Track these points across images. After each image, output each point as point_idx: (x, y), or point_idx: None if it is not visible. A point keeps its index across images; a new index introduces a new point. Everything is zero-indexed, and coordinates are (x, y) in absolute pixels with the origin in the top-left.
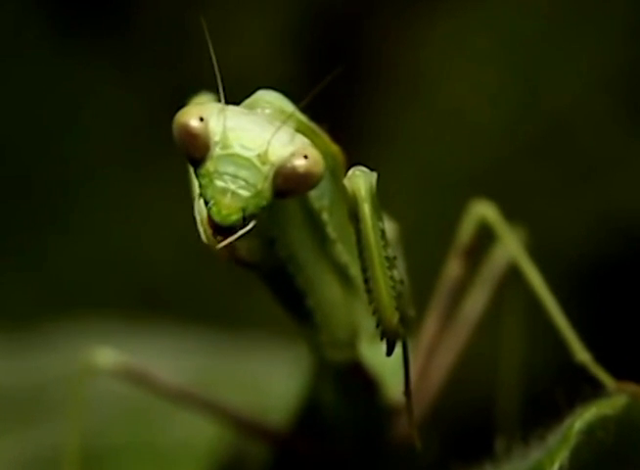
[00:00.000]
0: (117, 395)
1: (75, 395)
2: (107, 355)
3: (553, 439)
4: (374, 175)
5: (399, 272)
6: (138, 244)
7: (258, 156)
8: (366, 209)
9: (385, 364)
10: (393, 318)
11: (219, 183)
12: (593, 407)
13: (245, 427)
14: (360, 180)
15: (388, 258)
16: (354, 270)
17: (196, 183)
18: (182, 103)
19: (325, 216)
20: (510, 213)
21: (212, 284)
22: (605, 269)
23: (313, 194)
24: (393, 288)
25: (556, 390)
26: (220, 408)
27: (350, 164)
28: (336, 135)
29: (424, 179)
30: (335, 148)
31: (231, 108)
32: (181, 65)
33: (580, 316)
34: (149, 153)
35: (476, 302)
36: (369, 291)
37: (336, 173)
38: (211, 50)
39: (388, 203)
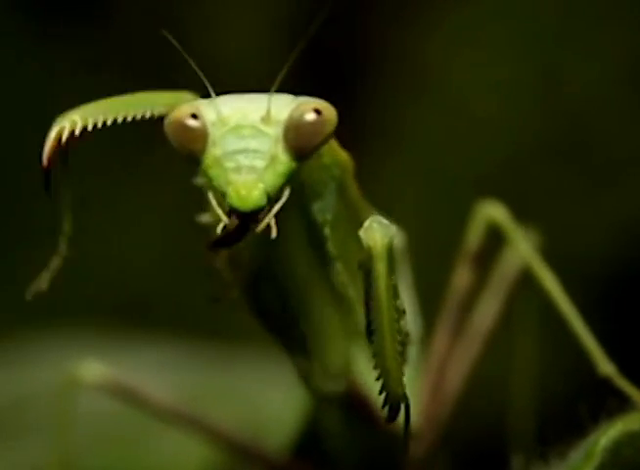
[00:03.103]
0: (103, 411)
1: (58, 411)
2: (92, 369)
3: (575, 456)
4: (392, 228)
5: (405, 322)
6: (124, 253)
7: (262, 119)
8: (381, 268)
9: None
10: (400, 387)
11: (230, 164)
12: (619, 423)
13: (239, 449)
14: (377, 235)
15: (397, 311)
16: (352, 291)
17: (209, 193)
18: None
19: (327, 232)
20: (524, 215)
21: (200, 295)
22: (628, 275)
23: (317, 206)
24: (401, 345)
25: (578, 404)
26: (213, 428)
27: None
28: (342, 139)
29: (431, 178)
30: (343, 155)
31: (220, 96)
32: (166, 62)
33: (602, 325)
34: (130, 157)
35: (487, 312)
36: (375, 354)
37: (343, 185)
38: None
39: (394, 204)
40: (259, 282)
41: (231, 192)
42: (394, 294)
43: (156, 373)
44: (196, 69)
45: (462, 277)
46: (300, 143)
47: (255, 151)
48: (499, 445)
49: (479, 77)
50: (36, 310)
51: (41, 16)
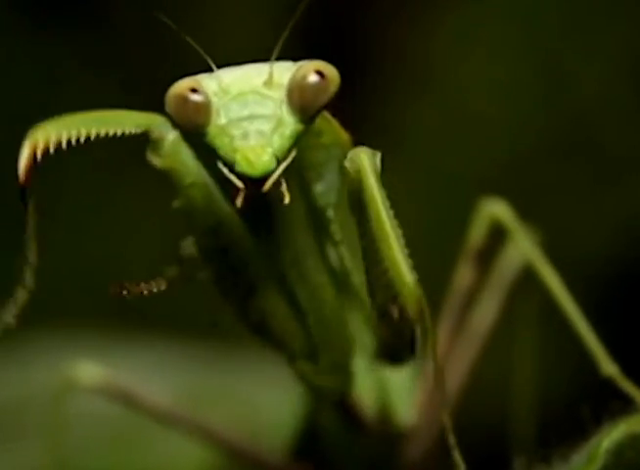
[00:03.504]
0: (100, 413)
1: (54, 413)
2: (88, 371)
3: (578, 459)
4: (377, 154)
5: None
6: (124, 253)
7: (264, 84)
8: (373, 182)
9: (388, 390)
10: (416, 286)
11: (236, 131)
12: (622, 424)
13: (237, 451)
14: (364, 155)
15: (396, 225)
16: (356, 278)
17: (219, 163)
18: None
19: (330, 214)
20: (525, 214)
21: (198, 296)
22: (630, 275)
23: (320, 188)
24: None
25: (581, 405)
26: (211, 429)
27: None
28: (344, 121)
29: (433, 177)
30: (345, 136)
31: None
32: (165, 61)
33: (605, 325)
34: (130, 157)
35: (487, 311)
36: (384, 261)
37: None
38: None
39: (395, 203)
40: (261, 289)
41: (240, 159)
42: (390, 211)
43: (153, 374)
44: (195, 46)
45: (464, 276)
46: (305, 104)
47: (261, 116)
48: (500, 446)
49: (480, 76)
50: (34, 311)
51: (39, 15)
